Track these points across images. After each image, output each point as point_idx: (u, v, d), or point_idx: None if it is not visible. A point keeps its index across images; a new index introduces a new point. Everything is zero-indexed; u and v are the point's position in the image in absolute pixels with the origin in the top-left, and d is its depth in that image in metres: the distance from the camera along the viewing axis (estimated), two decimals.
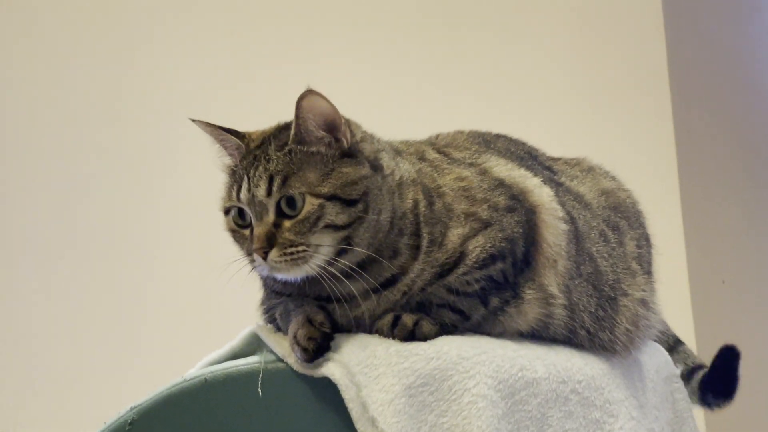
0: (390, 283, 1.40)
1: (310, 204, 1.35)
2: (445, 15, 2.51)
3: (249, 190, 1.36)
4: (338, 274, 1.36)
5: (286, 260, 1.33)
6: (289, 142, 1.38)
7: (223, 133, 1.44)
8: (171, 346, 2.56)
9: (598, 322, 1.57)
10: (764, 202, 2.60)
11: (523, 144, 1.75)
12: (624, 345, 1.61)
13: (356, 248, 1.36)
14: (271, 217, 1.35)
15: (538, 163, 1.71)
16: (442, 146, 1.63)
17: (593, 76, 2.34)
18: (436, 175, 1.51)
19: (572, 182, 1.71)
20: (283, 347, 1.33)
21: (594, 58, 2.34)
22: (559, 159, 1.79)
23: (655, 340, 1.79)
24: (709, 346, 2.17)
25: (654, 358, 1.71)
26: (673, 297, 2.01)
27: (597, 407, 1.50)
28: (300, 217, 1.34)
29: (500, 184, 1.53)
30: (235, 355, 1.38)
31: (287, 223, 1.34)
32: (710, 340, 2.18)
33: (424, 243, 1.43)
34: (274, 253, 1.33)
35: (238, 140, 1.43)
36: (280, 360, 1.32)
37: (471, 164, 1.57)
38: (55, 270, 2.91)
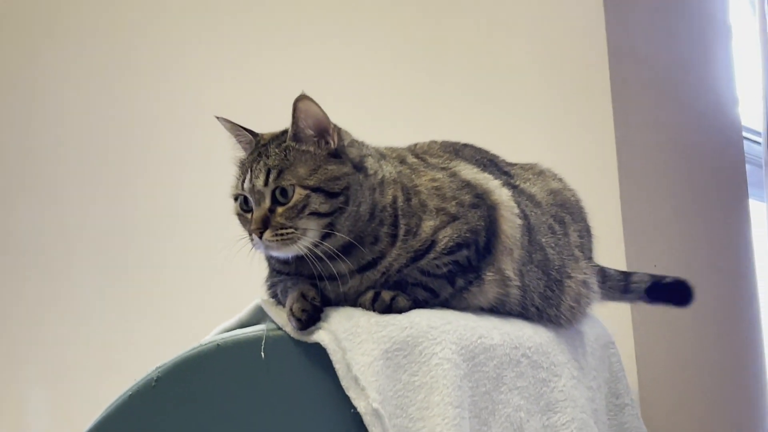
0: (371, 265, 1.42)
1: (299, 194, 1.37)
2: (426, 40, 2.52)
3: (251, 180, 1.39)
4: (323, 255, 1.37)
5: (277, 240, 1.35)
6: (287, 140, 1.41)
7: (241, 130, 1.46)
8: (191, 318, 2.56)
9: (546, 300, 1.59)
10: (689, 201, 2.61)
11: (486, 152, 1.76)
12: (568, 319, 1.63)
13: (338, 233, 1.38)
14: (267, 203, 1.37)
15: (498, 168, 1.72)
16: (420, 153, 1.65)
17: (547, 98, 2.34)
18: (413, 176, 1.52)
19: (526, 184, 1.73)
20: (282, 318, 1.34)
21: (548, 81, 2.35)
22: (515, 164, 1.80)
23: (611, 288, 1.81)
24: (641, 317, 2.19)
25: (593, 328, 1.73)
26: None
27: (544, 368, 1.51)
28: (290, 204, 1.37)
29: (467, 184, 1.55)
30: (242, 325, 1.39)
31: (280, 210, 1.37)
32: (643, 314, 2.19)
33: (401, 232, 1.44)
34: (267, 234, 1.35)
35: (251, 137, 1.45)
36: (280, 329, 1.32)
37: (443, 168, 1.58)
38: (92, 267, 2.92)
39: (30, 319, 3.01)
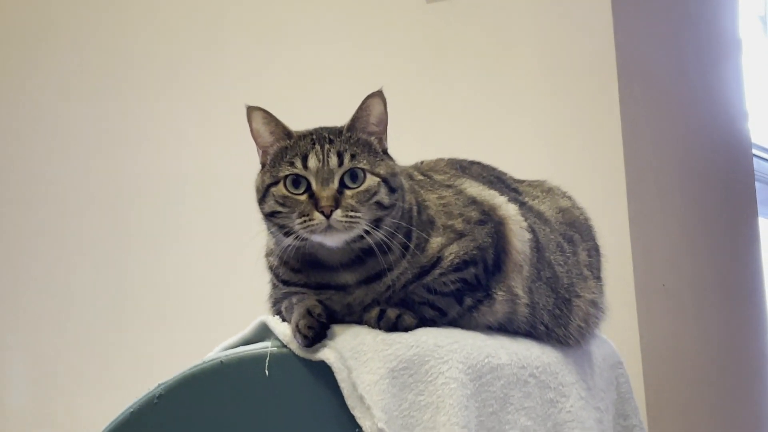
0: (378, 276, 1.41)
1: (371, 180, 1.37)
2: (432, 53, 2.53)
3: (320, 160, 1.36)
4: (358, 248, 1.38)
5: (344, 221, 1.33)
6: (354, 130, 1.40)
7: (278, 124, 1.42)
8: (194, 334, 2.56)
9: (554, 319, 1.58)
10: (698, 219, 2.61)
11: (494, 169, 1.76)
12: (576, 339, 1.62)
13: (378, 232, 1.36)
14: (335, 185, 1.35)
15: (505, 185, 1.72)
16: (426, 170, 1.65)
17: (555, 113, 2.35)
18: (422, 191, 1.53)
19: (534, 201, 1.73)
20: (287, 335, 1.33)
21: (556, 96, 2.35)
22: (523, 181, 1.80)
23: None
24: (650, 339, 2.19)
25: (601, 348, 1.73)
26: (621, 298, 2.02)
27: (551, 389, 1.51)
28: (362, 188, 1.36)
29: (473, 201, 1.54)
30: (246, 342, 1.39)
31: (349, 192, 1.35)
32: (651, 334, 2.19)
33: (413, 245, 1.43)
34: (338, 213, 1.33)
35: (286, 133, 1.42)
36: (284, 346, 1.32)
37: (449, 186, 1.58)
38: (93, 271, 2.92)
39: (27, 331, 3.01)
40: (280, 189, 1.38)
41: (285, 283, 1.45)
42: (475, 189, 1.58)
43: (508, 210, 1.56)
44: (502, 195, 1.60)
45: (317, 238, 1.36)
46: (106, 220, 2.92)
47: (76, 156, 3.01)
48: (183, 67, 2.88)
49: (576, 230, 1.74)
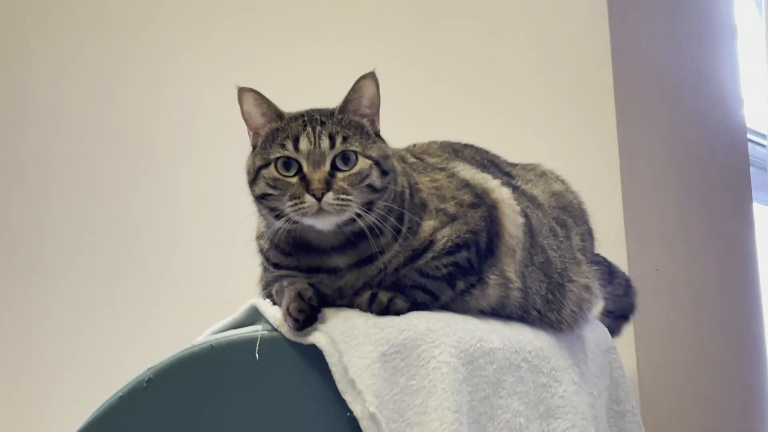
0: (370, 259, 1.40)
1: (363, 162, 1.36)
2: (425, 40, 2.51)
3: (312, 142, 1.35)
4: (349, 231, 1.37)
5: (336, 204, 1.33)
6: (346, 112, 1.40)
7: (270, 105, 1.41)
8: (184, 318, 2.56)
9: (547, 304, 1.58)
10: (692, 204, 2.61)
11: (487, 152, 1.76)
12: (569, 324, 1.62)
13: (369, 215, 1.36)
14: (327, 167, 1.35)
15: (499, 169, 1.72)
16: (418, 153, 1.64)
17: (549, 98, 2.34)
18: (414, 174, 1.52)
19: (527, 185, 1.72)
20: (278, 318, 1.32)
21: (550, 81, 2.35)
22: (517, 165, 1.80)
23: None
24: (643, 324, 2.19)
25: (594, 333, 1.73)
26: None
27: (544, 374, 1.51)
28: (354, 171, 1.35)
29: (466, 184, 1.54)
30: (237, 325, 1.38)
31: (341, 175, 1.35)
32: (645, 319, 2.19)
33: (405, 228, 1.43)
34: (330, 196, 1.32)
35: (277, 114, 1.41)
36: (275, 329, 1.32)
37: (441, 169, 1.58)
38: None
39: (19, 319, 3.00)
40: (271, 171, 1.37)
41: (276, 266, 1.45)
42: (468, 172, 1.58)
43: (502, 194, 1.56)
44: (495, 178, 1.60)
45: (308, 221, 1.35)
46: (98, 207, 2.91)
47: (69, 146, 2.99)
48: (177, 55, 2.86)
49: (569, 214, 1.73)
